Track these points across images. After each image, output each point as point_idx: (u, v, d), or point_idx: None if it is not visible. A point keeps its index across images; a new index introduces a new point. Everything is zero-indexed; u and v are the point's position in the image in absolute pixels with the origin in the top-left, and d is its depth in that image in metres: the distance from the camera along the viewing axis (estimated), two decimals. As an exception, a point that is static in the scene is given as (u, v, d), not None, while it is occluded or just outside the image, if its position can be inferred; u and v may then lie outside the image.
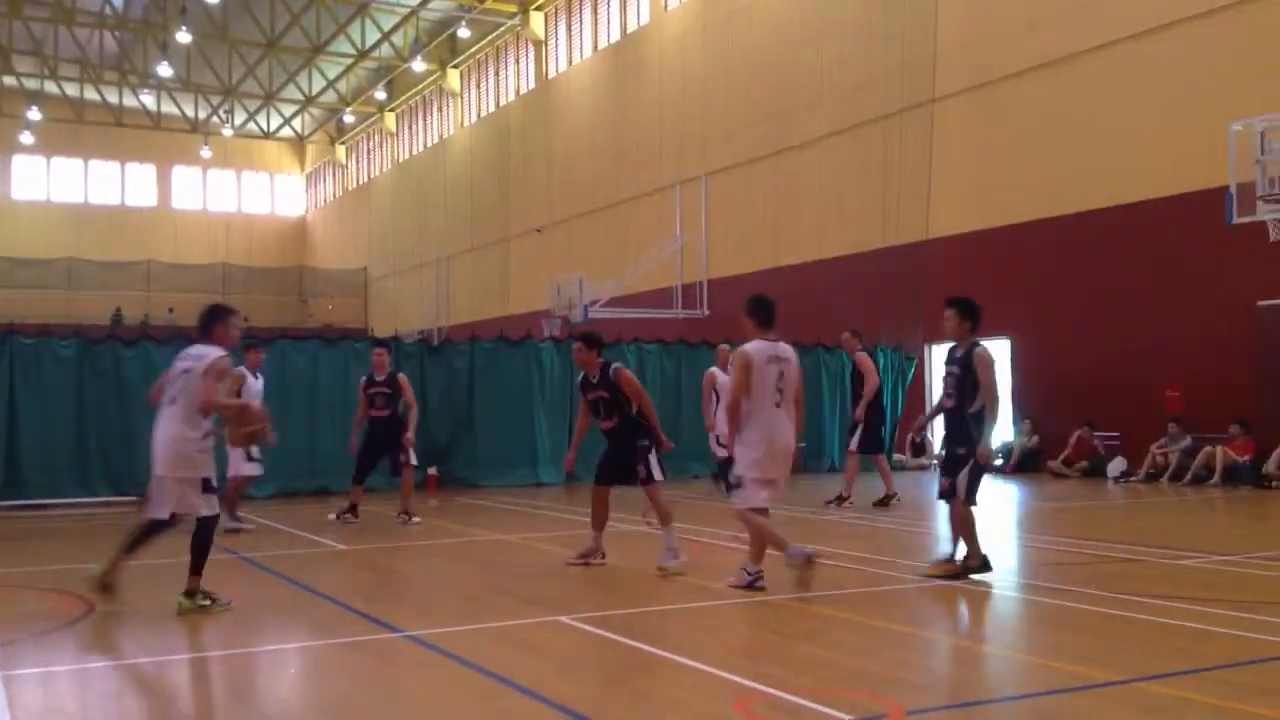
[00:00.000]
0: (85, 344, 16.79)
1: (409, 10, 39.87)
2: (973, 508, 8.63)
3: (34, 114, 46.91)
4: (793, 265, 26.55)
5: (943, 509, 9.19)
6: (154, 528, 7.67)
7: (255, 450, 12.29)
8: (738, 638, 7.08)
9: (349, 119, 51.87)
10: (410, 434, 13.30)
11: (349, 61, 44.64)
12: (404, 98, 48.78)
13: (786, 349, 8.39)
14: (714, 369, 14.61)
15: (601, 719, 5.13)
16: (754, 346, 8.23)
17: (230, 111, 50.70)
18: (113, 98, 48.26)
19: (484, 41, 41.62)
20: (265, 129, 52.96)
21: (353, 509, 13.26)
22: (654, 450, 9.43)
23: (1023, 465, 20.45)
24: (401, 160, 50.13)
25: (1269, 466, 16.53)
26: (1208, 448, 17.44)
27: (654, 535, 9.98)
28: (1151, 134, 19.11)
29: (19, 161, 52.03)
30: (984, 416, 8.47)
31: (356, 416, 13.43)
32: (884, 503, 14.38)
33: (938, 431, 11.46)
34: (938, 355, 20.72)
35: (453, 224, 44.05)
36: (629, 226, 33.13)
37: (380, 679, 5.94)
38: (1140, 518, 14.42)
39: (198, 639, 7.10)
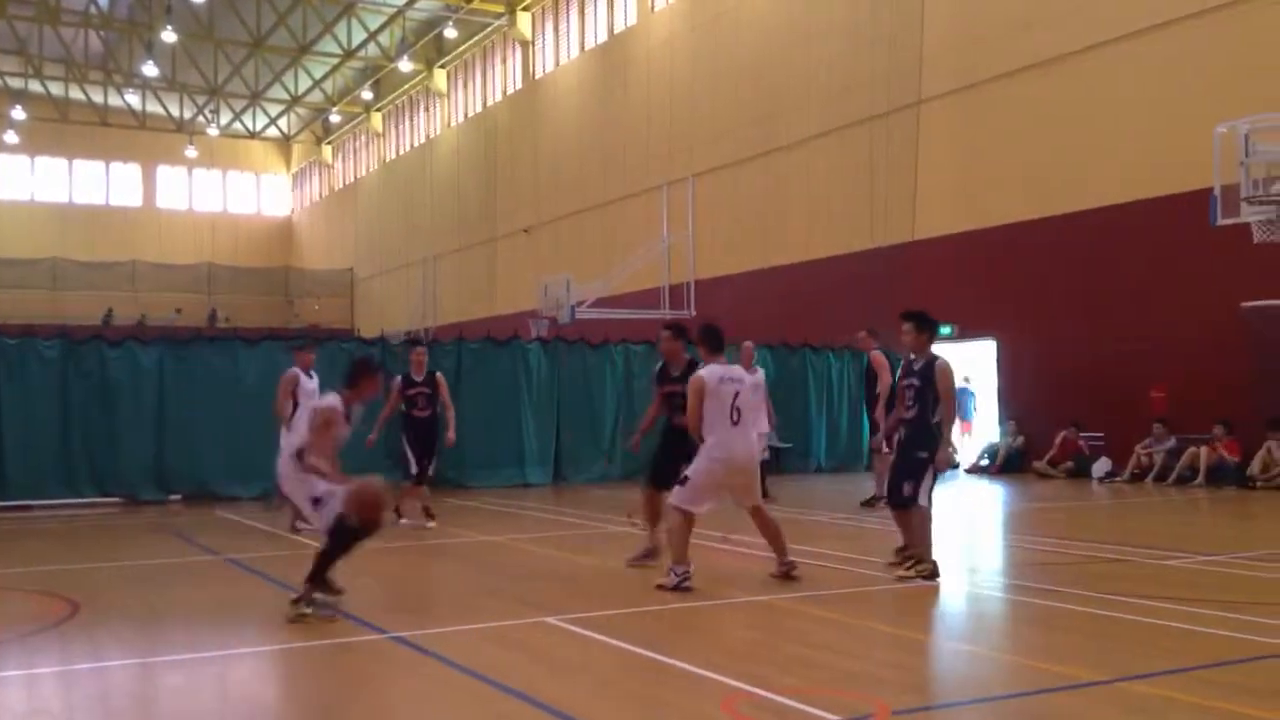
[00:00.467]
0: (70, 345, 16.71)
1: (395, 10, 39.79)
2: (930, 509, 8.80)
3: (18, 113, 46.74)
4: (780, 266, 26.60)
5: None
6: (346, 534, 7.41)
7: None
8: (725, 638, 7.09)
9: (335, 119, 51.77)
10: (452, 434, 13.04)
11: (335, 61, 44.54)
12: (390, 98, 48.68)
13: (739, 370, 8.73)
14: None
15: (590, 720, 5.13)
16: (707, 371, 8.45)
17: (216, 111, 50.49)
18: (98, 97, 48.07)
19: (471, 42, 41.56)
20: (251, 129, 52.82)
21: (426, 511, 12.85)
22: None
23: (1008, 466, 20.52)
24: (388, 160, 50.01)
25: (1253, 468, 16.62)
26: (1192, 448, 17.53)
27: (639, 535, 10.01)
28: (1136, 136, 19.20)
29: (3, 161, 51.67)
30: (943, 425, 8.74)
31: (382, 414, 12.96)
32: (870, 503, 14.41)
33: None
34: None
35: (439, 224, 43.97)
36: (616, 227, 33.12)
37: (369, 681, 5.92)
38: (1126, 518, 14.47)
39: (185, 641, 7.08)
